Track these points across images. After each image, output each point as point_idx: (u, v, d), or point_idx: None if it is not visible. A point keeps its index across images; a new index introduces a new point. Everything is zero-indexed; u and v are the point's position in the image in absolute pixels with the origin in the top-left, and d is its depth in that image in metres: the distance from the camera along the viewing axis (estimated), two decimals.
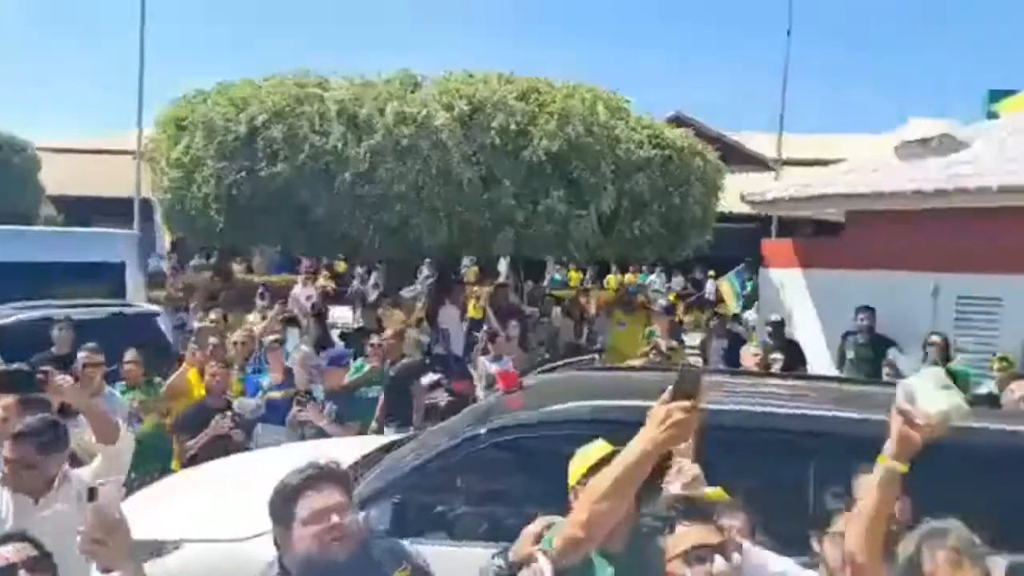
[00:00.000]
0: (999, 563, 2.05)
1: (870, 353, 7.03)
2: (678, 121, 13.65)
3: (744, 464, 2.99)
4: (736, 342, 8.11)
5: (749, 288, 12.31)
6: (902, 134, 8.23)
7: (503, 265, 14.99)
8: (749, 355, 7.33)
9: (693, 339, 10.30)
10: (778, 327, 7.73)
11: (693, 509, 1.69)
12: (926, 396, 1.53)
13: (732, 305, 12.32)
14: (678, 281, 18.76)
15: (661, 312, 8.68)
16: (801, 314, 8.62)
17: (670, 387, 1.73)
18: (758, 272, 10.31)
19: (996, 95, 13.15)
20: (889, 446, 1.58)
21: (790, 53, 16.84)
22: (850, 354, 7.34)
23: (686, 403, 1.69)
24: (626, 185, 9.06)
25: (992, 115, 11.62)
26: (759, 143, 20.60)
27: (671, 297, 14.15)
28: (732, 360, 7.57)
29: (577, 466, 2.41)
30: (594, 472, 2.05)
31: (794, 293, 8.86)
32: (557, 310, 10.33)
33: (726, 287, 13.15)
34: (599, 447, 2.43)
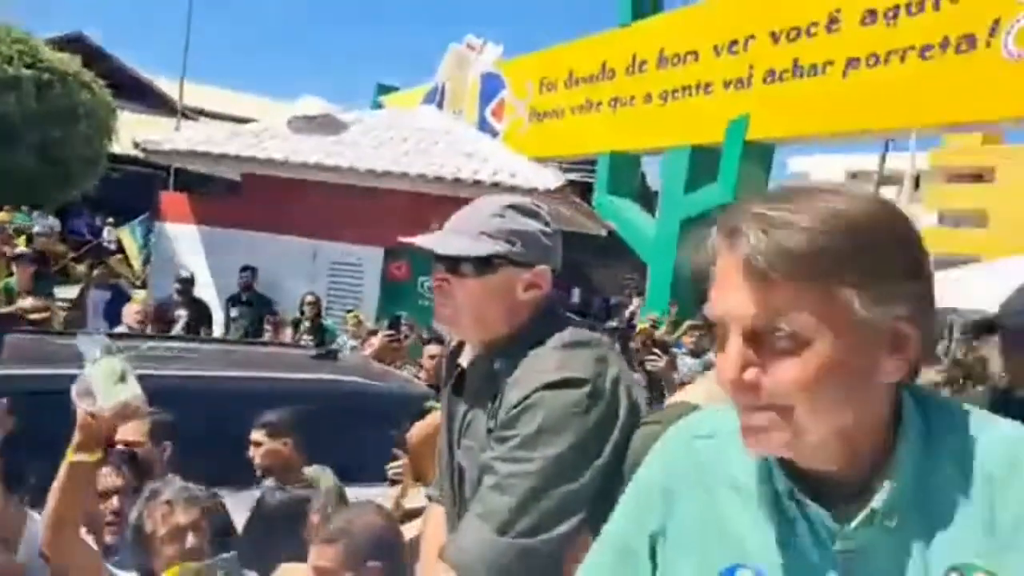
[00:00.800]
0: (252, 495, 2.39)
1: (249, 311, 7.42)
2: (76, 42, 11.91)
3: None
4: (120, 296, 7.58)
5: (153, 241, 11.62)
6: (296, 108, 8.82)
7: None
8: (131, 312, 6.97)
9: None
10: (187, 284, 7.46)
11: None
12: (104, 391, 1.56)
13: (135, 258, 11.47)
14: (54, 223, 16.29)
15: (23, 261, 7.43)
16: (196, 271, 8.55)
17: None
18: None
19: (384, 89, 15.27)
20: (75, 438, 1.59)
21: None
22: (234, 313, 7.62)
23: None
24: None
25: (378, 106, 13.44)
26: (189, 91, 19.48)
27: (20, 243, 11.89)
28: (113, 315, 7.06)
29: None
30: None
31: (189, 248, 8.74)
32: None
33: (127, 237, 12.16)
34: None
